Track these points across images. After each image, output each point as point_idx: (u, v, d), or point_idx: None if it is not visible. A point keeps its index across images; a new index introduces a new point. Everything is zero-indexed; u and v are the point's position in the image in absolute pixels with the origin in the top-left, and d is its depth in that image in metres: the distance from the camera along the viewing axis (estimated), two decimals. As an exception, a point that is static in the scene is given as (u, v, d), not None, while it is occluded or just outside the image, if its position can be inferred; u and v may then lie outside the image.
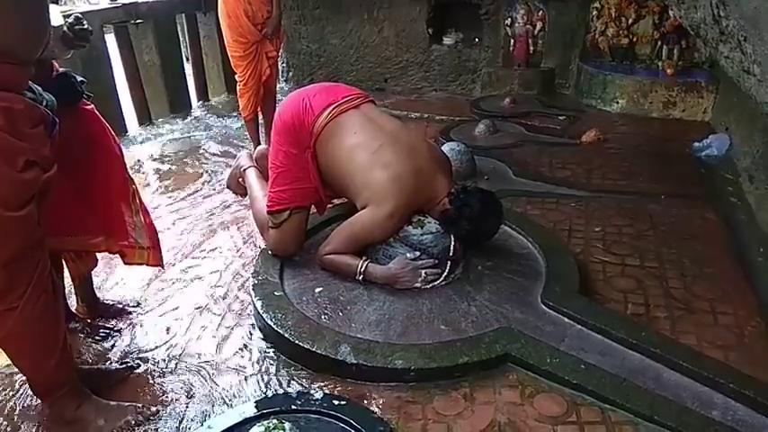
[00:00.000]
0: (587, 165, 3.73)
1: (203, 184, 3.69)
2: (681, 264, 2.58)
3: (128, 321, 2.27)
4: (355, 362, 1.88)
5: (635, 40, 5.01)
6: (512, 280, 2.34)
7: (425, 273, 2.26)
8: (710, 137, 3.86)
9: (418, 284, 2.26)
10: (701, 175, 3.54)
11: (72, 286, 2.25)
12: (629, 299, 2.34)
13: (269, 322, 2.07)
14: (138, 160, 4.11)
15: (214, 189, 3.58)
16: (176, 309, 2.35)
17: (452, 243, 2.31)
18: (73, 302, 2.28)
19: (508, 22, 5.35)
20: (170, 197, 3.49)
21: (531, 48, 5.38)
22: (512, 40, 5.39)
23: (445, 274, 2.30)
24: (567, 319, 2.10)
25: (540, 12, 5.26)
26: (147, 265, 2.13)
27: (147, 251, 2.09)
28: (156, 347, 2.12)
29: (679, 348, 1.96)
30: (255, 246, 2.82)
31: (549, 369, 1.86)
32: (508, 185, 3.39)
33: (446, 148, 3.41)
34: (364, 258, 2.31)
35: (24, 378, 1.77)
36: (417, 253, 2.29)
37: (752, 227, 2.68)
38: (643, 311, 2.26)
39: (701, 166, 3.66)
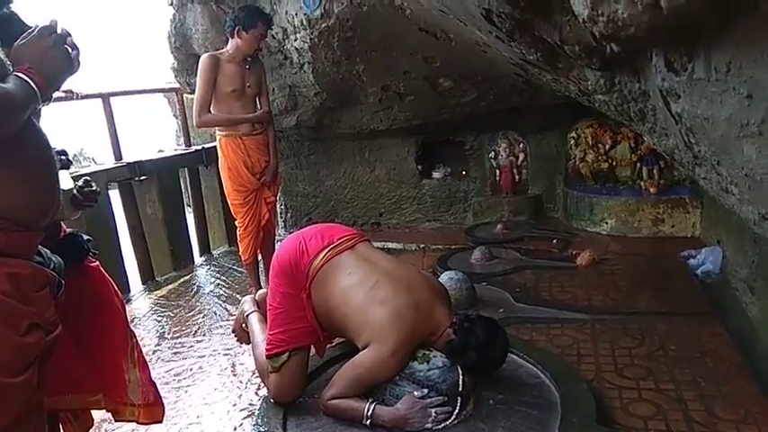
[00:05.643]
0: (586, 286, 3.75)
1: (204, 332, 3.64)
2: (697, 384, 2.50)
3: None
4: None
5: (614, 163, 5.21)
6: (526, 413, 2.25)
7: (435, 411, 2.17)
8: (703, 251, 3.90)
9: (429, 425, 2.16)
10: (701, 291, 3.53)
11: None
12: (649, 426, 2.24)
13: (274, 478, 1.94)
14: (139, 313, 4.09)
15: (215, 336, 3.53)
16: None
17: (461, 377, 2.25)
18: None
19: (492, 155, 5.63)
20: (170, 344, 3.43)
21: (517, 177, 5.60)
22: (497, 171, 5.63)
23: (456, 411, 2.21)
24: (588, 454, 1.99)
25: (521, 144, 5.57)
26: (138, 422, 2.04)
27: (138, 408, 2.01)
28: None
29: (712, 478, 1.84)
30: (257, 395, 2.72)
31: None
32: (510, 312, 3.37)
33: (445, 277, 3.44)
34: (370, 400, 2.23)
35: None
36: (425, 390, 2.21)
37: (761, 340, 2.63)
38: (667, 438, 2.15)
39: (699, 282, 3.66)
